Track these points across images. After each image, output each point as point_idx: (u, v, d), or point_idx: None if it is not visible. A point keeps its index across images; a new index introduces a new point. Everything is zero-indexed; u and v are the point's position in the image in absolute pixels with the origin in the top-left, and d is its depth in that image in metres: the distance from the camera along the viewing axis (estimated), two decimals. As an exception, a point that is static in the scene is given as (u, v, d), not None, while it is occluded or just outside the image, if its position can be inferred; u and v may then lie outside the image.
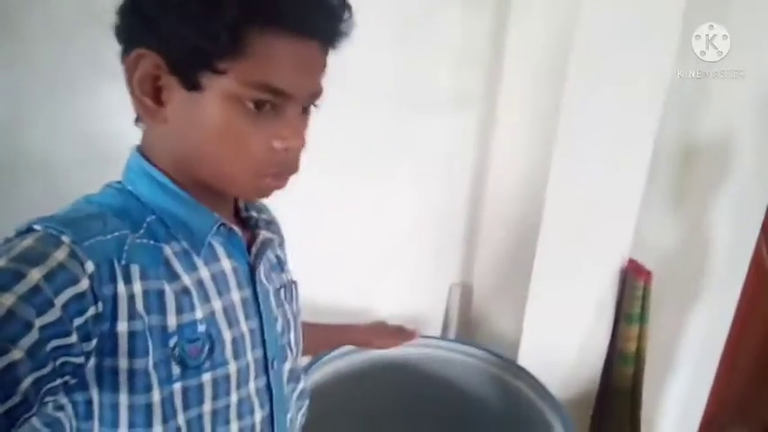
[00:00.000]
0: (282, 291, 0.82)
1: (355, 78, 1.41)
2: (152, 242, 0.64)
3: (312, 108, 0.71)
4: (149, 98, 0.63)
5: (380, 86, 1.47)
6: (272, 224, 0.88)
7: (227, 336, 0.68)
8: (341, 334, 1.32)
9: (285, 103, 0.64)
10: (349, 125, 1.44)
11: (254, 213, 0.81)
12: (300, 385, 0.85)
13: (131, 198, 0.67)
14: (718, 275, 1.88)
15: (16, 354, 0.47)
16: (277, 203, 0.84)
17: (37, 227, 0.56)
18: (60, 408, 0.59)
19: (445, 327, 1.81)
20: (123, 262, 0.60)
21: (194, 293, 0.65)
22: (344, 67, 1.37)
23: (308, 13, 0.62)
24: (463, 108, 1.59)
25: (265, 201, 0.82)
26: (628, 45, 1.38)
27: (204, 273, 0.68)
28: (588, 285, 1.64)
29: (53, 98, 1.15)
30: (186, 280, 0.65)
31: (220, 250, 0.71)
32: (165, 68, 0.61)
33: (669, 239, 1.82)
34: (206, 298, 0.67)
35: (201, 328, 0.65)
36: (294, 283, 0.87)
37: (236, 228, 0.73)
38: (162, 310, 0.62)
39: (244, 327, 0.71)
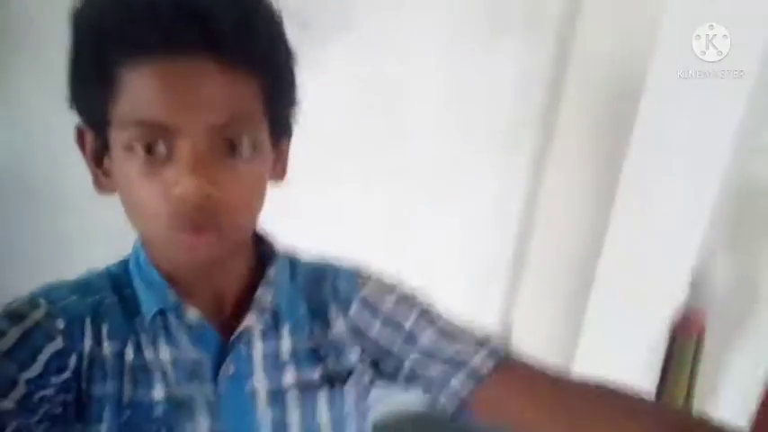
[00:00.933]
0: (295, 389, 0.67)
1: (405, 107, 1.35)
2: (127, 310, 0.63)
3: (248, 149, 0.56)
4: (100, 170, 0.61)
5: (431, 115, 1.39)
6: (322, 307, 0.71)
7: (188, 429, 0.61)
8: None
9: (177, 141, 0.53)
10: (398, 154, 1.38)
11: (269, 295, 0.67)
12: None
13: (125, 268, 0.67)
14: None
15: (7, 404, 0.50)
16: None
17: (30, 293, 0.60)
18: None
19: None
20: (96, 321, 0.61)
21: (154, 372, 0.61)
22: (395, 95, 1.33)
23: (154, 29, 0.51)
24: (517, 143, 1.51)
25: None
26: (696, 91, 1.29)
27: (164, 355, 0.62)
28: (640, 336, 1.57)
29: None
30: (148, 356, 0.62)
31: (182, 335, 0.63)
32: (96, 137, 0.59)
33: (724, 283, 1.72)
34: (167, 382, 0.61)
35: (159, 411, 0.60)
36: (336, 380, 0.69)
37: (191, 313, 0.63)
38: (120, 378, 0.60)
39: (204, 427, 0.62)
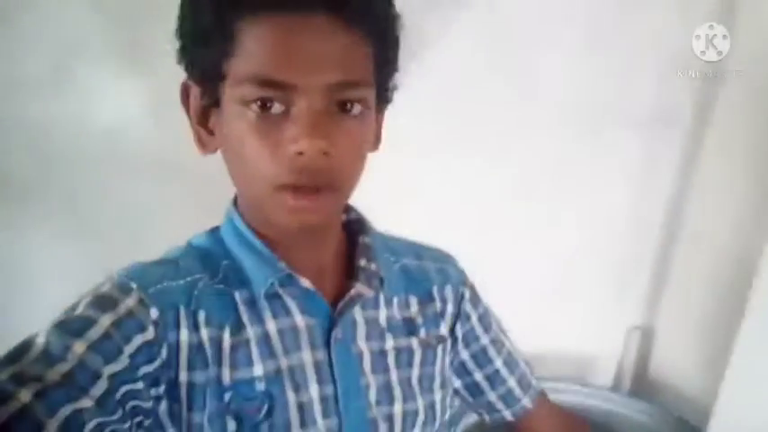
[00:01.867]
0: (393, 354, 0.71)
1: (545, 88, 1.31)
2: (224, 288, 0.62)
3: (358, 108, 0.57)
4: (203, 128, 0.61)
5: (566, 97, 1.33)
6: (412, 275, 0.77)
7: (292, 399, 0.61)
8: None
9: (293, 99, 0.54)
10: (536, 140, 1.34)
11: (371, 263, 0.70)
12: None
13: (217, 240, 0.66)
14: None
15: (86, 402, 0.48)
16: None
17: (116, 274, 0.58)
18: None
19: (618, 376, 1.60)
20: (191, 308, 0.59)
21: (256, 347, 0.61)
22: (533, 76, 1.30)
23: None
24: (666, 126, 1.38)
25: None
26: None
27: (271, 326, 0.63)
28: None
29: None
30: (249, 332, 0.62)
31: (292, 304, 0.64)
32: (202, 94, 0.59)
33: None
34: (270, 354, 0.62)
35: (260, 386, 0.60)
36: (429, 346, 0.74)
37: (304, 281, 0.64)
38: (218, 362, 0.59)
39: (314, 392, 0.63)
